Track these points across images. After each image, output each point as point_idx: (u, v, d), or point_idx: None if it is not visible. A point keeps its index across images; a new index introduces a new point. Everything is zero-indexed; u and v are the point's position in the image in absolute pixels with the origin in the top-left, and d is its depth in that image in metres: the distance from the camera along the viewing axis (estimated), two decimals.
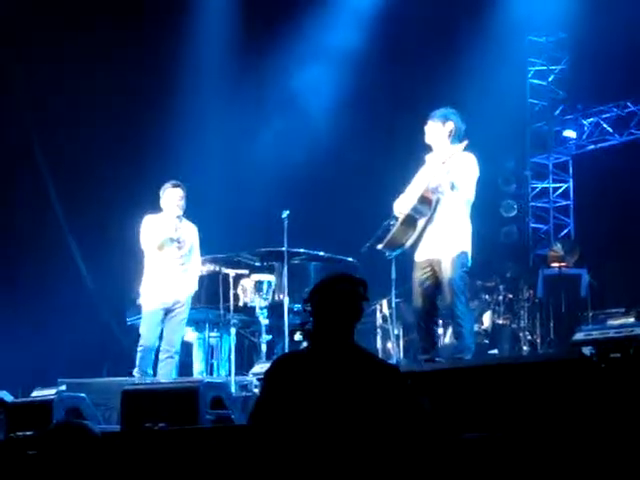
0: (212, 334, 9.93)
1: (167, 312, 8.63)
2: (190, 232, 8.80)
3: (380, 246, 7.72)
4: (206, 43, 12.73)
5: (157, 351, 8.66)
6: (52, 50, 11.83)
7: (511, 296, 11.37)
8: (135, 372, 8.61)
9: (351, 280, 4.29)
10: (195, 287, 8.85)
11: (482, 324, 11.09)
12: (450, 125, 7.46)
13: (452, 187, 7.31)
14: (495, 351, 10.86)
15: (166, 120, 12.16)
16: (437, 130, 7.51)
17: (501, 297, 11.29)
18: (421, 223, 7.47)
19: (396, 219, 7.66)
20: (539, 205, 13.71)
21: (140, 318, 10.28)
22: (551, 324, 11.11)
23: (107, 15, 12.04)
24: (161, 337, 8.68)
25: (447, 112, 7.53)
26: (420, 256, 7.48)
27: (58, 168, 12.24)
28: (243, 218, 12.06)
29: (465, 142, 7.41)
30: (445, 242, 7.34)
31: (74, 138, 12.04)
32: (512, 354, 10.57)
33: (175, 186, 8.69)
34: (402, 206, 7.57)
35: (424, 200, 7.43)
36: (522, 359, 7.67)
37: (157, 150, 11.93)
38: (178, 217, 8.65)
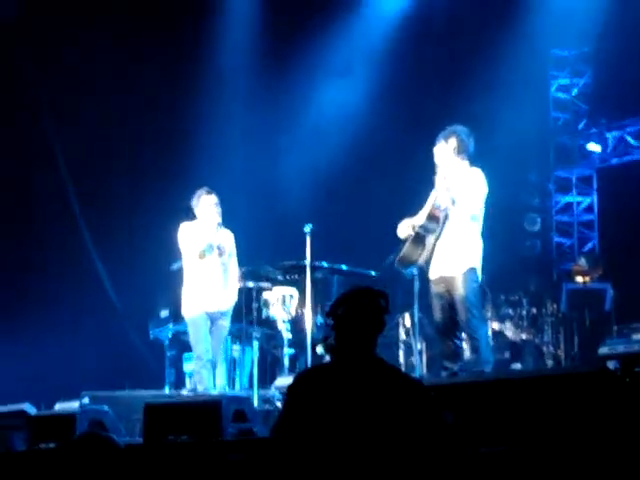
0: (234, 347, 9.94)
1: (210, 321, 8.50)
2: (228, 238, 8.70)
3: (396, 264, 7.80)
4: (231, 45, 12.64)
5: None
6: (74, 56, 11.82)
7: (535, 310, 11.31)
8: (187, 390, 8.44)
9: (372, 292, 4.29)
10: (235, 297, 8.76)
11: (505, 337, 11.04)
12: (453, 142, 7.55)
13: (452, 202, 7.39)
14: (518, 365, 10.81)
15: (190, 129, 12.16)
16: (442, 149, 7.62)
17: (525, 311, 11.23)
18: (430, 240, 7.56)
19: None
20: (563, 219, 13.64)
21: (162, 331, 10.32)
22: (575, 339, 11.03)
23: (138, 22, 11.97)
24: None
25: (450, 130, 7.63)
26: (433, 274, 7.61)
27: (83, 185, 12.27)
28: (266, 231, 12.06)
29: (467, 160, 7.53)
30: (454, 259, 7.44)
31: (99, 154, 12.08)
32: (536, 368, 10.51)
33: (209, 192, 8.56)
34: (403, 230, 7.70)
35: (431, 217, 7.58)
36: (544, 372, 7.62)
37: (181, 163, 11.93)
38: (218, 223, 8.50)
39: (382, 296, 4.28)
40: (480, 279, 7.55)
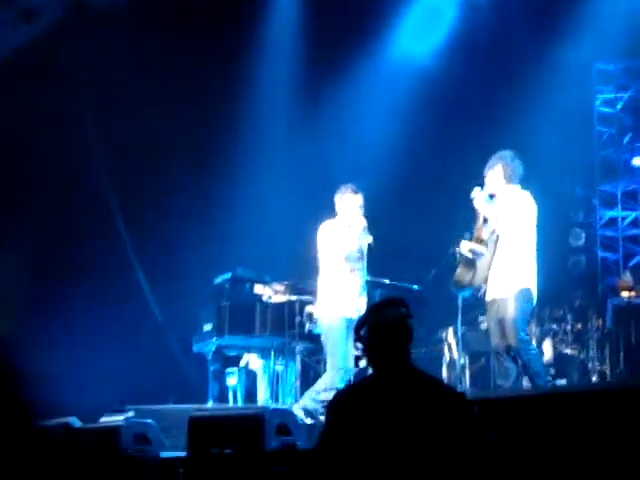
0: (277, 362, 9.95)
1: (349, 328, 8.04)
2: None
3: (450, 286, 8.03)
4: (268, 94, 12.67)
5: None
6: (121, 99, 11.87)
7: (579, 326, 11.23)
8: None
9: (390, 303, 4.27)
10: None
11: (547, 353, 10.96)
12: (499, 169, 7.76)
13: (499, 222, 7.61)
14: (563, 381, 10.73)
15: (229, 150, 12.16)
16: (491, 177, 7.84)
17: (569, 326, 11.16)
18: (481, 263, 7.65)
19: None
20: (608, 234, 13.52)
21: (206, 345, 10.33)
22: (621, 354, 10.92)
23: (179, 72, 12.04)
24: None
25: (494, 158, 7.84)
26: (488, 296, 7.77)
27: (127, 199, 12.32)
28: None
29: (516, 184, 7.72)
30: (505, 281, 7.63)
31: (142, 167, 12.12)
32: (581, 384, 10.43)
33: (356, 192, 8.12)
34: (462, 250, 7.89)
35: (479, 240, 7.79)
36: (590, 387, 7.58)
37: (224, 177, 11.94)
38: (364, 227, 8.09)
39: (401, 304, 4.24)
40: (534, 301, 7.65)
